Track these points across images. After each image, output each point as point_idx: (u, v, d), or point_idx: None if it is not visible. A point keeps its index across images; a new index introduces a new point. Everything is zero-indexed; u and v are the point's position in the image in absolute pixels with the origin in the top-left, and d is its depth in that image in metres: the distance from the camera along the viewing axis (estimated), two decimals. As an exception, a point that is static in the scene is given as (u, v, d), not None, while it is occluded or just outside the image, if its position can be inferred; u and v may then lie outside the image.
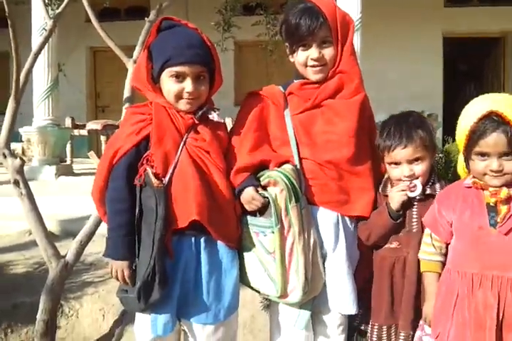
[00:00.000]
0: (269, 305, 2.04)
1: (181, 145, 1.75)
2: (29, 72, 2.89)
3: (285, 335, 1.88)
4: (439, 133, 5.21)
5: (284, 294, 1.77)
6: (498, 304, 1.53)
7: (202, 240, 1.74)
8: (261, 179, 1.82)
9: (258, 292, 1.89)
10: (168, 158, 1.72)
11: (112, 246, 1.73)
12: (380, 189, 1.90)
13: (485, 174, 1.58)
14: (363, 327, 1.95)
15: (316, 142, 1.86)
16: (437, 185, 1.83)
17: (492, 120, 1.54)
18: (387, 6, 8.07)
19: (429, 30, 8.43)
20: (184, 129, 1.77)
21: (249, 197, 1.77)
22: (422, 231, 1.79)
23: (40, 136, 6.52)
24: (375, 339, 1.88)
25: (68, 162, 6.92)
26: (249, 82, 8.39)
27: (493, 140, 1.53)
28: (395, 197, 1.81)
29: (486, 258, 1.57)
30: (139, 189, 1.70)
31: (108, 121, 7.04)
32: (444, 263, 1.72)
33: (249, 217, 1.82)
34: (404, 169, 1.80)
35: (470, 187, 1.64)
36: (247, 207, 1.79)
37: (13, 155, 2.73)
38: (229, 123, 3.03)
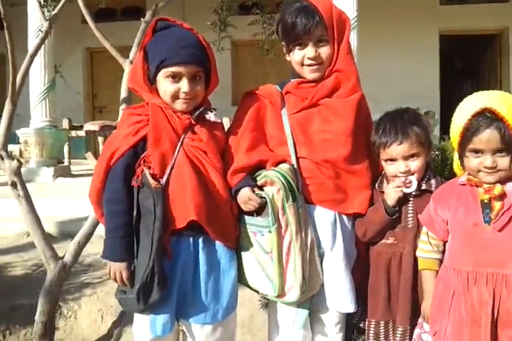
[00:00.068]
0: (268, 304, 2.04)
1: (178, 145, 1.74)
2: (25, 73, 2.88)
3: (283, 334, 1.89)
4: (436, 131, 5.21)
5: (281, 293, 1.77)
6: (494, 301, 1.53)
7: (200, 240, 1.74)
8: (258, 179, 1.82)
9: (257, 291, 1.89)
10: (166, 158, 1.72)
11: (110, 248, 1.73)
12: (376, 185, 1.91)
13: (479, 171, 1.58)
14: (361, 325, 1.96)
15: (313, 141, 1.86)
16: (433, 181, 1.84)
17: (485, 117, 1.53)
18: (383, 5, 8.08)
19: (426, 27, 8.44)
20: (181, 130, 1.76)
21: (246, 197, 1.77)
22: (418, 227, 1.80)
23: (38, 137, 6.52)
24: (372, 335, 1.89)
25: (66, 163, 6.91)
26: (247, 82, 8.38)
27: (487, 136, 1.53)
28: (391, 193, 1.81)
29: (481, 255, 1.57)
30: (137, 190, 1.70)
31: (105, 122, 7.01)
32: (441, 261, 1.72)
33: (246, 217, 1.82)
34: (399, 165, 1.81)
35: (464, 184, 1.64)
36: (244, 208, 1.79)
37: (11, 156, 2.73)
38: (226, 122, 3.02)
